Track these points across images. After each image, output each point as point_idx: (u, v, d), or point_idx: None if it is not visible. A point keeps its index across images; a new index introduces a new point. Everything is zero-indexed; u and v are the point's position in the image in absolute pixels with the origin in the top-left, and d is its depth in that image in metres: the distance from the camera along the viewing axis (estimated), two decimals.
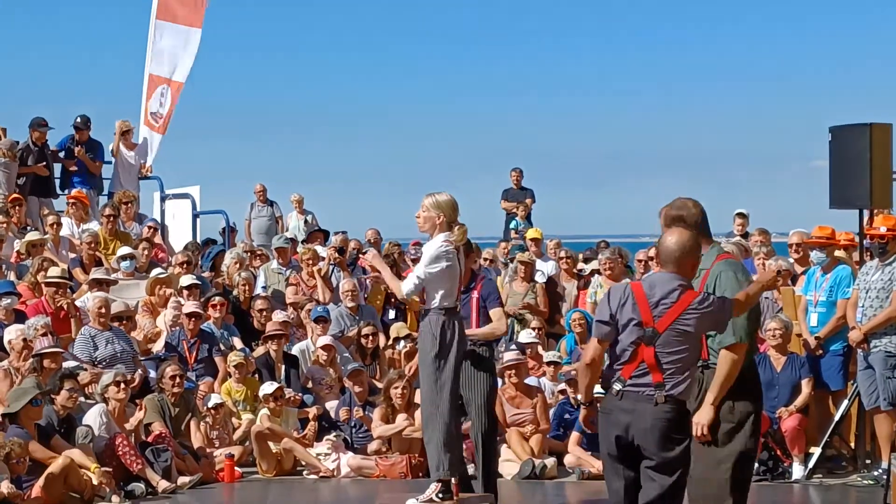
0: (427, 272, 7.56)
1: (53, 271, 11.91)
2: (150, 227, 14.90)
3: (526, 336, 12.38)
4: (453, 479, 7.66)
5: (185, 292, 12.46)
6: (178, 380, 10.75)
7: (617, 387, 5.75)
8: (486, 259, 14.59)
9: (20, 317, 11.24)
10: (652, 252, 13.79)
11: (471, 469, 8.67)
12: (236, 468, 10.62)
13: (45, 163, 15.24)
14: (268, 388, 11.06)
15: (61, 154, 15.68)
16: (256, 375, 11.70)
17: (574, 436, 10.79)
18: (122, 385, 10.30)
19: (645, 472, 5.76)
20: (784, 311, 11.26)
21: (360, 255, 14.52)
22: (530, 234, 15.66)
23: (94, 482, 9.21)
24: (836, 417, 10.51)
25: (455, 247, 7.66)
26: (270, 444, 10.79)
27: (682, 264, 5.81)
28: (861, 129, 10.77)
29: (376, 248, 14.75)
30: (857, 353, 10.17)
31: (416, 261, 8.76)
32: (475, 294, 8.37)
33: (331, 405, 11.67)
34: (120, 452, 9.73)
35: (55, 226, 14.02)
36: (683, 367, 5.73)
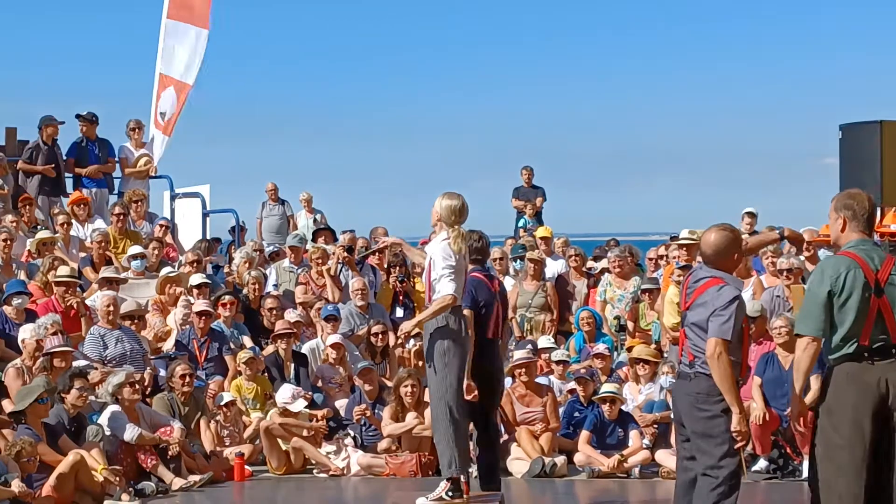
0: (448, 266, 7.61)
1: (63, 270, 11.94)
2: (161, 226, 14.91)
3: (545, 342, 12.36)
4: (462, 477, 7.66)
5: (196, 291, 12.48)
6: (187, 379, 10.77)
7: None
8: (493, 259, 14.54)
9: (31, 316, 11.28)
10: (661, 250, 13.80)
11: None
12: (246, 466, 10.64)
13: (54, 162, 15.19)
14: (291, 402, 10.97)
15: (76, 168, 15.54)
16: (265, 374, 11.72)
17: (584, 434, 10.79)
18: (136, 386, 10.34)
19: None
20: (794, 309, 11.22)
21: (381, 241, 14.44)
22: (540, 232, 15.57)
23: (100, 480, 9.23)
24: None
25: (459, 249, 7.74)
26: (280, 441, 10.81)
27: (720, 261, 6.31)
28: (872, 126, 10.76)
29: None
30: None
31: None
32: None
33: (340, 404, 11.68)
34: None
35: (65, 225, 14.05)
36: None
